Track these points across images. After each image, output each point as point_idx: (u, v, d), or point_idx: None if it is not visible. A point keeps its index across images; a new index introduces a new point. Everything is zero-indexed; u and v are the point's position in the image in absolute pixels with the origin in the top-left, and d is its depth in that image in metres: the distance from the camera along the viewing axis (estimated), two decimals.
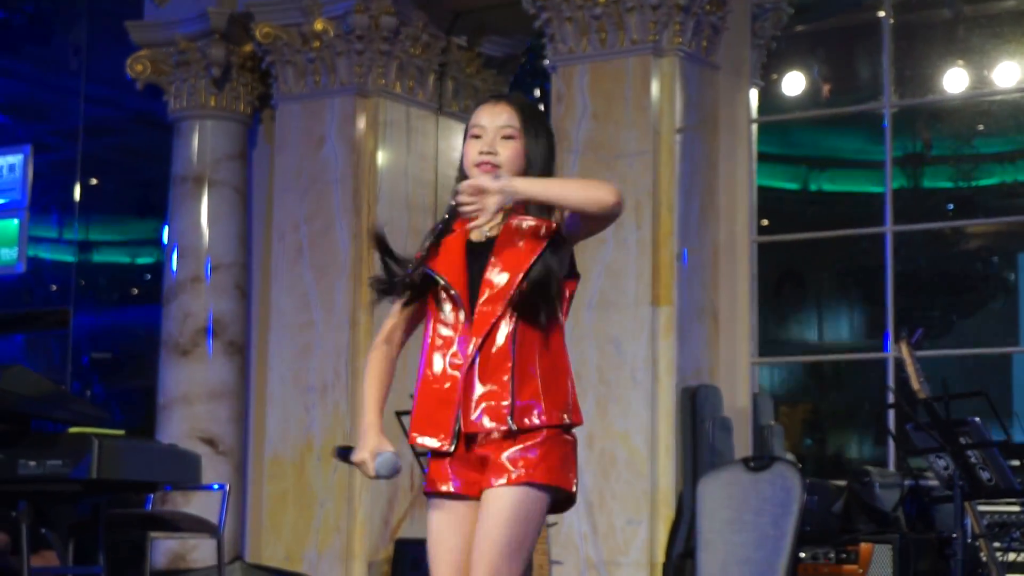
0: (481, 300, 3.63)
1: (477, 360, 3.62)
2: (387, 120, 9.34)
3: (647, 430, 7.98)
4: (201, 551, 9.29)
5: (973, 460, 6.21)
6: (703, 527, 7.17)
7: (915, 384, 6.57)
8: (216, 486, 8.23)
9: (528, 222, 3.66)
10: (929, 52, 10.76)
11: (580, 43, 8.44)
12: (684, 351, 8.17)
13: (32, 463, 6.00)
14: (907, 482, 7.57)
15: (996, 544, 6.88)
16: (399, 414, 7.70)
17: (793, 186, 13.82)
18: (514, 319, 3.62)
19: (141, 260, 15.58)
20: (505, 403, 3.60)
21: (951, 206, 13.20)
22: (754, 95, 8.86)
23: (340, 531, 8.94)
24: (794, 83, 10.39)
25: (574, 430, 3.75)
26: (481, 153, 3.70)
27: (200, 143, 9.76)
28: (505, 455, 3.60)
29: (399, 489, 9.12)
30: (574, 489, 3.73)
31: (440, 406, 3.66)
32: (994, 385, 6.67)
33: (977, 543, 6.58)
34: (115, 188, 14.60)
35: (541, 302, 3.61)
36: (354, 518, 8.94)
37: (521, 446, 3.61)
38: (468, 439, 3.65)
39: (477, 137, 3.73)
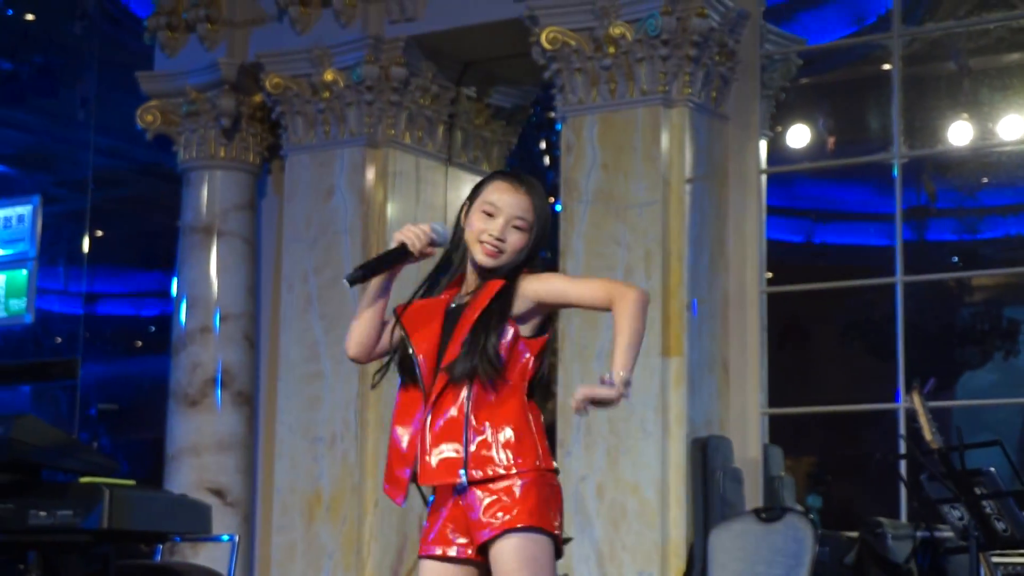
0: (443, 364, 3.72)
1: (430, 419, 3.70)
2: (396, 171, 9.35)
3: (658, 481, 7.95)
4: None
5: (988, 510, 6.18)
6: None
7: (928, 434, 6.55)
8: (226, 537, 8.19)
9: (490, 287, 3.76)
10: (935, 105, 10.80)
11: (590, 94, 8.47)
12: (694, 402, 8.15)
13: (42, 513, 5.97)
14: (919, 533, 7.53)
15: None
16: None
17: (797, 239, 13.84)
18: (468, 382, 3.69)
19: (146, 312, 15.59)
20: (459, 457, 3.66)
21: (956, 259, 13.22)
22: (763, 146, 8.87)
23: None
24: (799, 135, 10.42)
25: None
26: (490, 235, 3.75)
27: (209, 193, 9.77)
28: (483, 509, 3.66)
29: (408, 541, 9.08)
30: (557, 531, 3.73)
31: (399, 463, 3.77)
32: (1003, 437, 6.67)
33: None
34: (120, 239, 14.62)
35: (479, 366, 3.68)
36: (363, 570, 8.89)
37: (496, 497, 3.66)
38: (456, 496, 3.72)
39: (489, 215, 3.77)
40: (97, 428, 14.42)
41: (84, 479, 6.10)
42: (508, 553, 3.62)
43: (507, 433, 3.68)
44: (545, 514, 3.67)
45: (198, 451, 9.46)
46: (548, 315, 3.81)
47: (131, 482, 6.34)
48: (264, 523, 9.53)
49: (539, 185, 3.90)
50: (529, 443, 3.70)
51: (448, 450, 3.67)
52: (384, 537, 8.94)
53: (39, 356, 13.19)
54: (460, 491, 3.70)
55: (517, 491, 3.65)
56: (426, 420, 3.71)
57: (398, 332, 3.83)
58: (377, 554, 8.92)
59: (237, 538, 8.01)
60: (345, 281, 3.77)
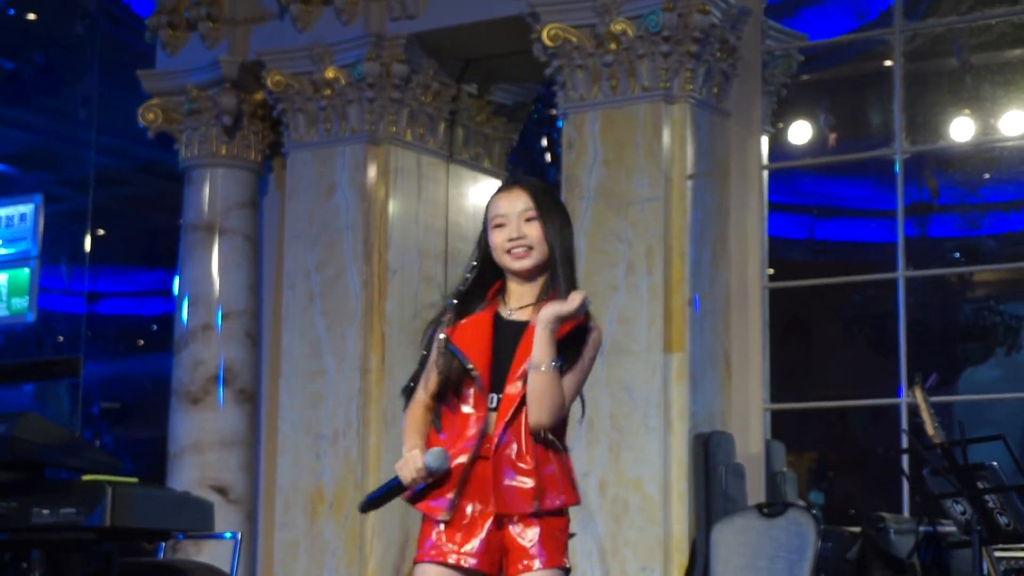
0: (509, 383, 3.76)
1: (502, 441, 3.75)
2: (398, 168, 9.36)
3: (660, 476, 7.96)
4: None
5: (991, 505, 6.18)
6: (717, 574, 7.14)
7: (930, 429, 6.55)
8: (228, 534, 8.19)
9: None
10: (937, 100, 10.81)
11: (591, 90, 8.47)
12: (696, 397, 8.15)
13: (45, 511, 5.97)
14: (922, 528, 7.53)
15: None
16: None
17: (799, 234, 13.85)
18: None
19: (148, 310, 15.60)
20: (530, 486, 3.74)
21: (957, 254, 13.23)
22: (765, 142, 8.87)
23: None
24: (801, 131, 10.43)
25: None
26: (511, 240, 3.84)
27: (211, 191, 9.77)
28: (531, 540, 3.75)
29: (411, 538, 9.08)
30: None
31: (446, 480, 3.78)
32: (1006, 432, 6.69)
33: None
34: (122, 238, 14.64)
35: None
36: (365, 567, 8.90)
37: (545, 531, 3.76)
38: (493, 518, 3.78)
39: (501, 226, 3.86)
40: (100, 426, 14.44)
41: (87, 477, 6.10)
42: None
43: (564, 469, 3.81)
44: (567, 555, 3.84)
45: (201, 449, 9.46)
46: None
47: (134, 480, 6.35)
48: (267, 520, 9.53)
49: (527, 177, 3.99)
50: (570, 480, 3.84)
51: (520, 477, 3.74)
52: (387, 534, 8.94)
53: (41, 355, 13.22)
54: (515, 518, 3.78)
55: (563, 528, 3.80)
56: (496, 440, 3.75)
57: (449, 355, 3.84)
58: (380, 551, 8.93)
59: (240, 535, 8.01)
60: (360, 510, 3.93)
